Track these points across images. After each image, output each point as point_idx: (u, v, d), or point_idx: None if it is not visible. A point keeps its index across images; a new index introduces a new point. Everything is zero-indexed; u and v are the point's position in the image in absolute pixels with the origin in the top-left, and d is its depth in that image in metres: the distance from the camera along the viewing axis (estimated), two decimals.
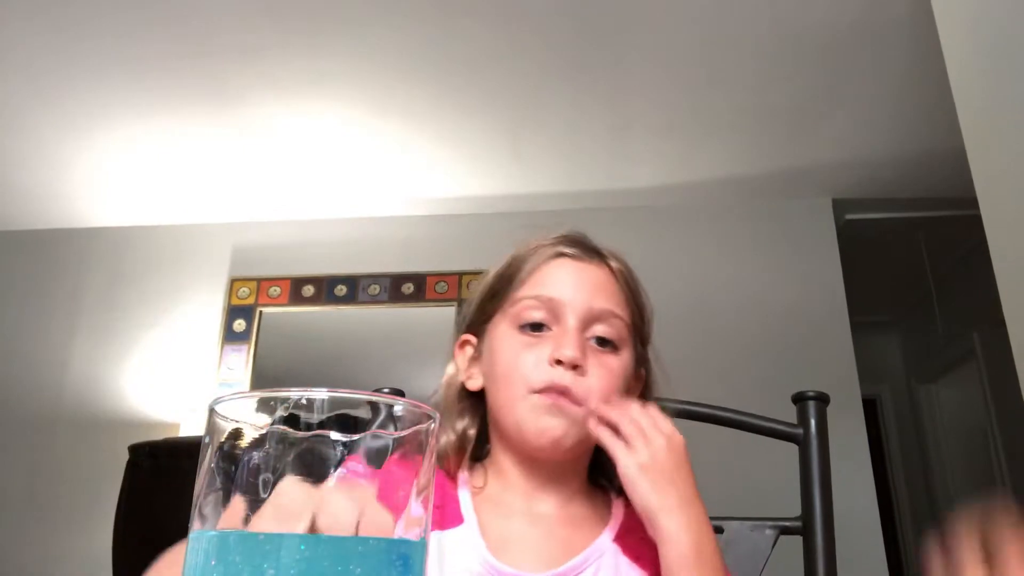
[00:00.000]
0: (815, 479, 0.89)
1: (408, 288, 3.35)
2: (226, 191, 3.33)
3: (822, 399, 0.92)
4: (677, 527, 0.64)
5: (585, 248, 0.79)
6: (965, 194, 1.73)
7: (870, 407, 4.14)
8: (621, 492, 0.72)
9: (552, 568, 0.68)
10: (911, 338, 4.74)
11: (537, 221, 3.25)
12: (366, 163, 3.13)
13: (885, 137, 2.94)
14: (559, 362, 0.70)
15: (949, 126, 1.78)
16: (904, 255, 3.84)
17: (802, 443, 0.91)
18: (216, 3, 2.27)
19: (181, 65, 2.54)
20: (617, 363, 0.74)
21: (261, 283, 3.40)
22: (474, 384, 0.78)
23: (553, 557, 0.70)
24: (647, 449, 0.66)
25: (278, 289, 3.38)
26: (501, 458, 0.76)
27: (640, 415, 0.68)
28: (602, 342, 0.74)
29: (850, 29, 2.36)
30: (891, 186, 3.29)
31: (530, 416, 0.71)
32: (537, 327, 0.74)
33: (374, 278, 3.36)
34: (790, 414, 0.94)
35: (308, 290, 3.38)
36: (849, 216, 3.43)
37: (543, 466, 0.74)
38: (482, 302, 0.80)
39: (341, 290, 3.36)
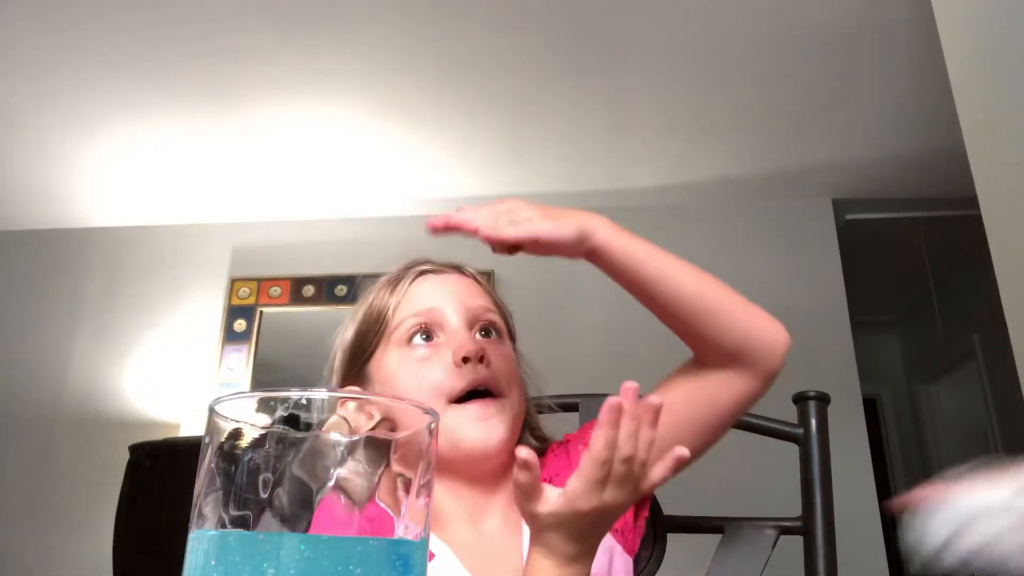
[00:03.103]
0: (815, 479, 0.89)
1: None
2: (226, 191, 3.33)
3: (822, 399, 0.92)
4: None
5: (439, 263, 0.83)
6: (965, 194, 1.73)
7: (870, 407, 4.13)
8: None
9: None
10: (911, 338, 4.73)
11: None
12: (366, 163, 3.12)
13: (885, 137, 2.93)
14: (465, 360, 0.72)
15: (949, 126, 1.78)
16: (904, 255, 3.84)
17: (802, 443, 0.91)
18: (216, 3, 2.27)
19: (181, 65, 2.54)
20: (508, 350, 0.78)
21: (261, 283, 3.39)
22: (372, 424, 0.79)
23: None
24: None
25: (278, 289, 3.38)
26: (439, 481, 0.74)
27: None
28: (487, 333, 0.77)
29: (850, 29, 2.36)
30: (891, 186, 3.28)
31: (462, 428, 0.71)
32: (427, 337, 0.76)
33: (374, 278, 3.35)
34: (790, 414, 0.94)
35: (308, 290, 3.37)
36: (849, 216, 3.43)
37: (485, 475, 0.74)
38: (353, 349, 0.80)
39: (341, 290, 3.35)
